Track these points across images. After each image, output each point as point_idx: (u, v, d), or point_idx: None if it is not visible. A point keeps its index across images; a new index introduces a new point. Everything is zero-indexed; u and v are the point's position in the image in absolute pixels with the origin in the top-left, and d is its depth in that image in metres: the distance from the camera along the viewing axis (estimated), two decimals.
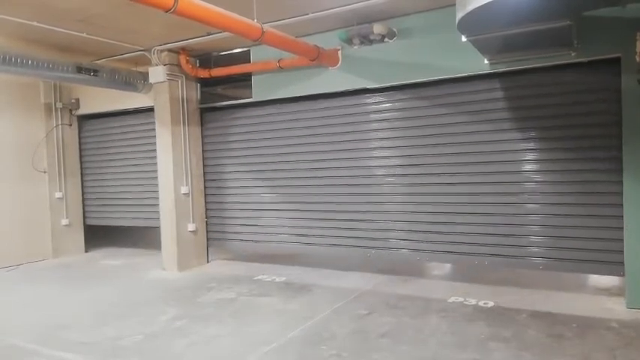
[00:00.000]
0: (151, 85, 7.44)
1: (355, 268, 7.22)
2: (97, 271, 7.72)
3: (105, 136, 8.97)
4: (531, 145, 5.55)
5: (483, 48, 5.18)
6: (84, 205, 9.22)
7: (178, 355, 4.25)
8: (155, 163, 7.63)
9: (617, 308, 4.98)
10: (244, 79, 7.27)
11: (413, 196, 6.24)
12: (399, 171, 6.33)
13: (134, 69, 7.70)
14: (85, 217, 9.23)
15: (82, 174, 9.19)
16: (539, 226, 5.53)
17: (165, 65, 7.19)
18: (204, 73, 7.42)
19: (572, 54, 5.07)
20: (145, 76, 7.46)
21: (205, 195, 7.89)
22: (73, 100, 8.82)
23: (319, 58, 6.14)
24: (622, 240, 5.01)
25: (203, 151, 7.88)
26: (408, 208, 6.27)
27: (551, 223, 5.46)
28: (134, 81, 7.51)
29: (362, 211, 6.58)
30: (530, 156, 5.56)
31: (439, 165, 6.04)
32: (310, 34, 6.47)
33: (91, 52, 7.32)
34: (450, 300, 5.48)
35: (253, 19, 5.03)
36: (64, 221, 8.77)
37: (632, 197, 4.90)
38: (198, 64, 7.63)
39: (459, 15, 4.04)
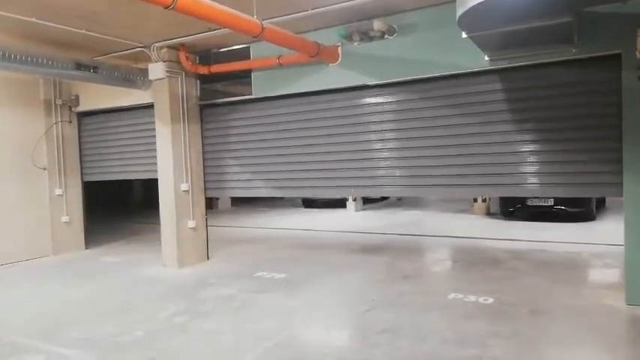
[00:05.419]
0: (151, 81, 7.42)
1: (355, 265, 7.24)
2: (97, 267, 7.72)
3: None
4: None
5: (484, 44, 5.17)
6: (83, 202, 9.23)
7: (178, 351, 4.26)
8: (155, 159, 7.61)
9: (616, 305, 4.99)
10: (244, 76, 7.24)
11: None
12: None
13: (134, 66, 7.67)
14: (84, 214, 9.23)
15: (81, 171, 9.18)
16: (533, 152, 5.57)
17: (164, 62, 7.18)
18: (203, 70, 7.40)
19: (573, 50, 5.06)
20: (144, 72, 7.44)
21: (205, 191, 7.90)
22: (72, 97, 8.79)
23: (319, 55, 6.12)
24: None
25: (203, 147, 7.87)
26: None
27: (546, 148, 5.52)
28: (134, 77, 7.49)
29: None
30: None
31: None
32: (310, 31, 6.45)
33: (91, 48, 7.30)
34: (450, 297, 5.50)
35: (253, 16, 5.02)
36: (65, 218, 8.77)
37: (632, 197, 4.91)
38: (197, 61, 7.61)
39: (460, 11, 4.04)
